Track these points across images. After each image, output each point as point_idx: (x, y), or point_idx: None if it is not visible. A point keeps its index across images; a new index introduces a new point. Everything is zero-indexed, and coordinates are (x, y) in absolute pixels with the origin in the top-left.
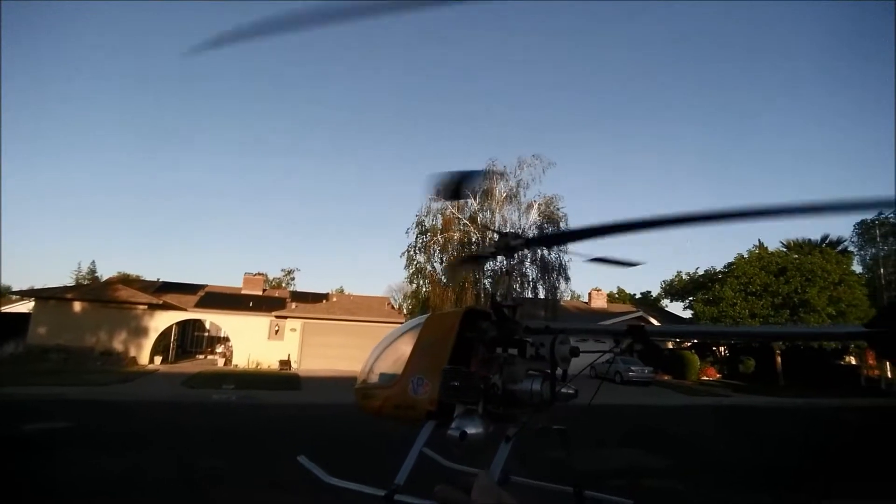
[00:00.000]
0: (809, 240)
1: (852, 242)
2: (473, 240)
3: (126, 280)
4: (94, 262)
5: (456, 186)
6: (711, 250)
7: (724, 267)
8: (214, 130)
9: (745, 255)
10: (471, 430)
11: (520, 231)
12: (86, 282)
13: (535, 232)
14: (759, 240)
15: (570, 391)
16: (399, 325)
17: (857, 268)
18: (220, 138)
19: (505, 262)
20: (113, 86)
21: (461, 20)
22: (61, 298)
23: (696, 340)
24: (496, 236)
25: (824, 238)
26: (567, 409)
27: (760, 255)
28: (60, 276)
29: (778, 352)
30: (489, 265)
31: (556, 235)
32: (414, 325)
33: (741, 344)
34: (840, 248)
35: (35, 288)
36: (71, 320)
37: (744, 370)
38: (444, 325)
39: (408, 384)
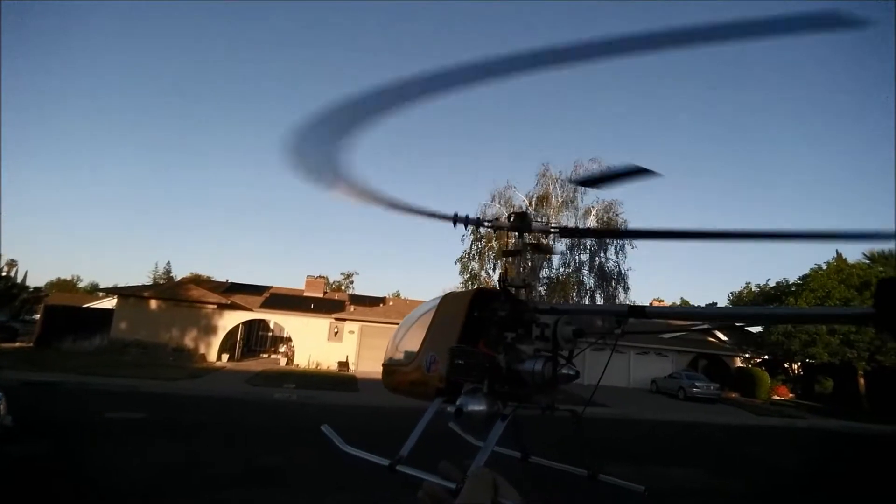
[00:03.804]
0: None
1: None
2: (516, 241)
3: (197, 280)
4: (169, 262)
5: None
6: (772, 262)
7: (799, 279)
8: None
9: (823, 267)
10: (470, 408)
11: (532, 215)
12: (162, 281)
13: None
14: (836, 250)
15: (571, 372)
16: (421, 304)
17: None
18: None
19: (517, 243)
20: (188, 96)
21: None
22: (140, 296)
23: (703, 325)
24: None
25: None
26: (629, 426)
27: (839, 267)
28: (139, 275)
29: (861, 372)
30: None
31: (570, 230)
32: (432, 304)
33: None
34: None
35: (118, 286)
36: (148, 317)
37: (821, 391)
38: (455, 305)
39: (422, 362)
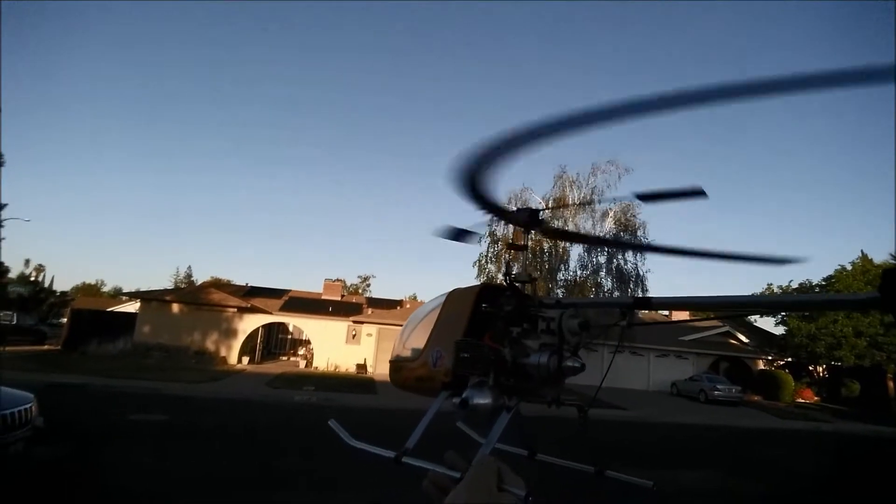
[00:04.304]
0: None
1: None
2: (546, 248)
3: (218, 284)
4: (190, 266)
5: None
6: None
7: (823, 280)
8: (297, 148)
9: (848, 268)
10: (475, 400)
11: (540, 210)
12: (183, 285)
13: (610, 238)
14: (861, 251)
15: (577, 364)
16: (428, 301)
17: None
18: (302, 158)
19: (525, 238)
20: (201, 102)
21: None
22: (162, 300)
23: (707, 313)
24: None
25: None
26: (648, 429)
27: (865, 267)
28: (161, 279)
29: (890, 374)
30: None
31: (570, 234)
32: (439, 301)
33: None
34: None
35: (141, 290)
36: (170, 321)
37: (847, 394)
38: (461, 301)
39: (428, 357)
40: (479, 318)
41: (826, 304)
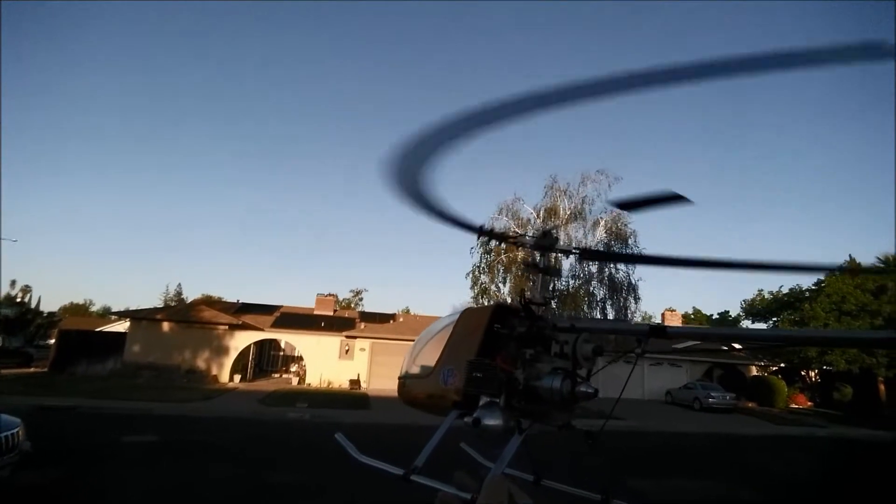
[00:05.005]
0: None
1: None
2: (538, 258)
3: (209, 301)
4: (180, 284)
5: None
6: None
7: (813, 285)
8: (287, 164)
9: (836, 273)
10: (487, 421)
11: (555, 233)
12: (173, 303)
13: (602, 248)
14: (849, 255)
15: (590, 390)
16: (439, 319)
17: None
18: (291, 172)
19: (541, 261)
20: (196, 116)
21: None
22: (152, 319)
23: (721, 344)
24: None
25: None
26: (643, 437)
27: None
28: (151, 298)
29: (881, 378)
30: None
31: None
32: (451, 319)
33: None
34: None
35: (130, 309)
36: (160, 339)
37: (840, 398)
38: (475, 320)
39: (439, 375)
40: (492, 339)
41: (843, 341)
